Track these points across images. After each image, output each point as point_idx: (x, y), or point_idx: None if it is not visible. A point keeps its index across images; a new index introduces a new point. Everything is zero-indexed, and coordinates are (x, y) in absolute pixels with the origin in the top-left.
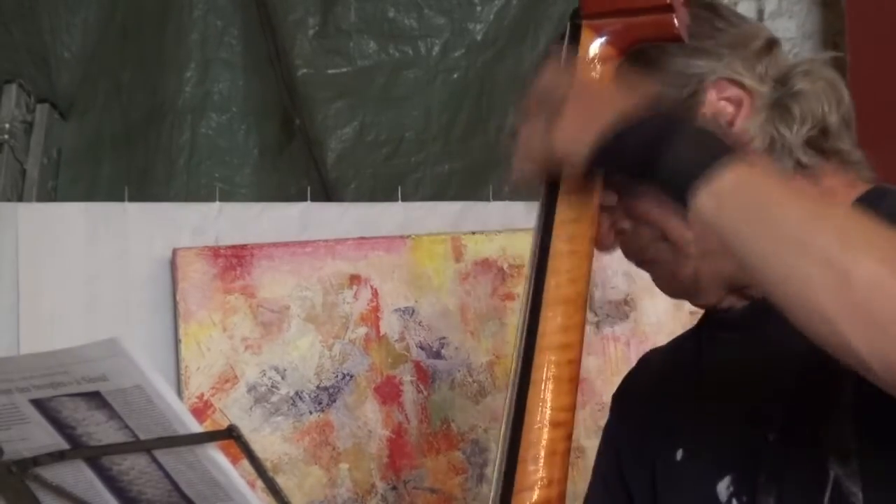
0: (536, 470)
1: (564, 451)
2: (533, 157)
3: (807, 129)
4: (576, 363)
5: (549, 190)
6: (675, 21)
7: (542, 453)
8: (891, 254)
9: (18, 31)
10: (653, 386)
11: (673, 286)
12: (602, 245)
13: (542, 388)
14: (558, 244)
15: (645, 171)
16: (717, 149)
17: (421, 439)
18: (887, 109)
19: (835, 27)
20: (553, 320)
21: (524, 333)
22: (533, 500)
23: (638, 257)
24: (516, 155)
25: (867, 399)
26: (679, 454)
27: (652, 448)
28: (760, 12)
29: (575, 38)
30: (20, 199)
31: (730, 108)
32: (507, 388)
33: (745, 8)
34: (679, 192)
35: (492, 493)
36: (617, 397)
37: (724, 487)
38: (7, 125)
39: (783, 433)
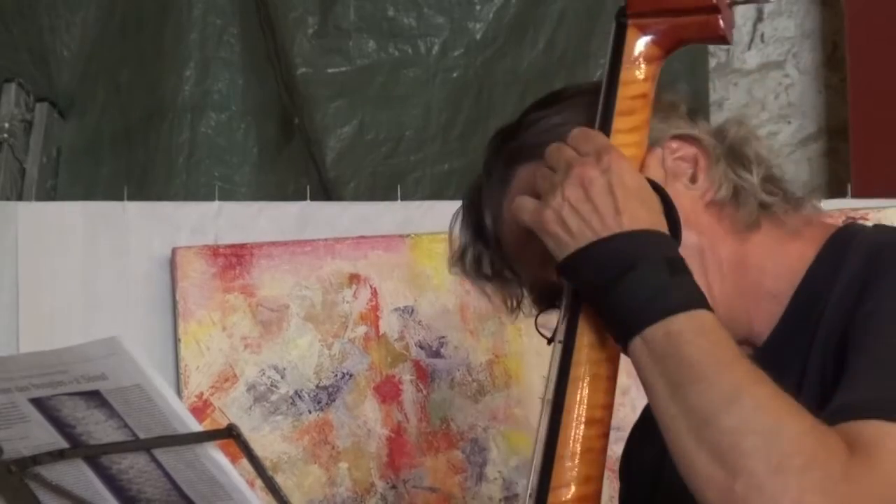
0: (573, 467)
1: (601, 448)
2: (523, 220)
3: (763, 169)
4: (614, 360)
5: None
6: (721, 22)
7: (580, 450)
8: (784, 455)
9: (18, 29)
10: (657, 435)
11: None
12: None
13: (581, 385)
14: None
15: (597, 299)
16: (664, 300)
17: (420, 438)
18: (887, 109)
19: (834, 26)
20: (593, 318)
21: (564, 331)
22: (569, 496)
23: None
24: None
25: None
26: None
27: (665, 473)
28: (760, 11)
29: (620, 37)
30: (20, 198)
31: (685, 166)
32: (544, 387)
33: (744, 8)
34: (619, 337)
35: (528, 490)
36: (623, 458)
37: None
38: (6, 124)
39: None
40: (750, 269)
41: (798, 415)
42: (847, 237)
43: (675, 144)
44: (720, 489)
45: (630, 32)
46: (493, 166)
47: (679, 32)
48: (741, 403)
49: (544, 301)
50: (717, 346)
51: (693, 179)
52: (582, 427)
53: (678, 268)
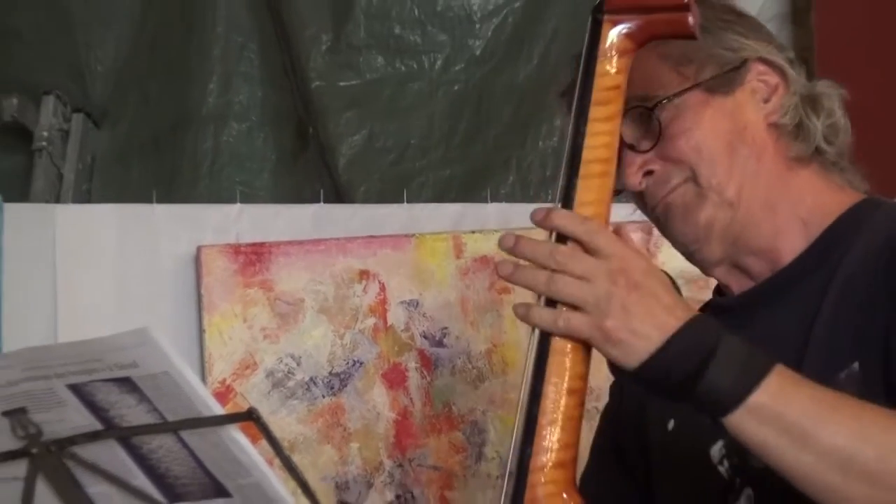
0: (553, 433)
1: (579, 416)
2: (571, 335)
3: (829, 122)
4: None
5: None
6: (690, 19)
7: (560, 418)
8: None
9: (55, 45)
10: None
11: (684, 232)
12: (631, 184)
13: (560, 357)
14: None
15: (684, 397)
16: (751, 370)
17: (424, 421)
18: (852, 119)
19: (804, 43)
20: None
21: (544, 306)
22: (552, 461)
23: (660, 198)
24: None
25: (870, 368)
26: (671, 424)
27: (645, 423)
28: None
29: (595, 32)
30: (57, 200)
31: (764, 89)
32: (525, 360)
33: None
34: (717, 417)
35: (510, 456)
36: (615, 385)
37: (716, 450)
38: (45, 133)
39: None
40: (789, 193)
41: None
42: (878, 202)
43: (761, 67)
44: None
45: (605, 28)
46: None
47: (651, 28)
48: (872, 431)
49: None
50: (814, 389)
51: (766, 100)
52: (563, 397)
53: (737, 340)
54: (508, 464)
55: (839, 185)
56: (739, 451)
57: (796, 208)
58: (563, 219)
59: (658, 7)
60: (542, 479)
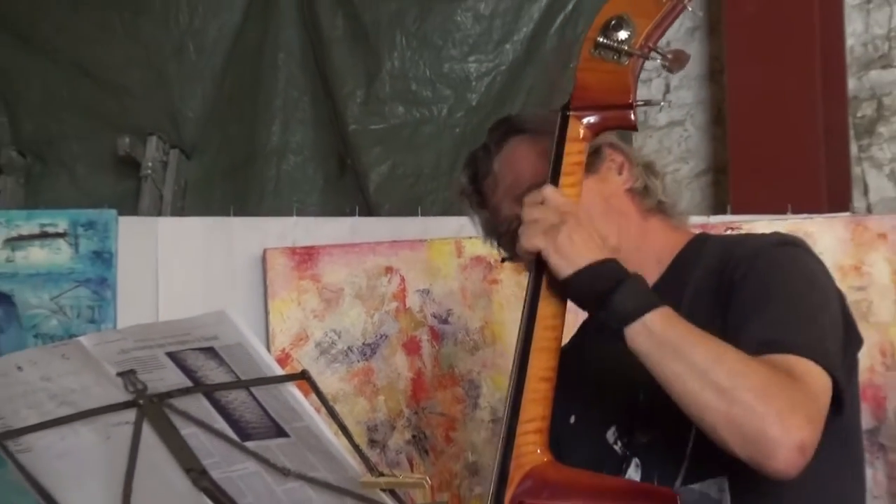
0: (534, 409)
1: (551, 398)
2: (530, 249)
3: (664, 181)
4: (560, 339)
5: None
6: (632, 116)
7: (538, 398)
8: (761, 389)
9: (157, 98)
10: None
11: None
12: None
13: (538, 355)
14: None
15: (598, 306)
16: (649, 300)
17: (434, 380)
18: (755, 153)
19: (719, 96)
20: (546, 309)
21: (526, 319)
22: (533, 428)
23: None
24: (522, 233)
25: None
26: (572, 418)
27: (554, 419)
28: (668, 86)
29: (564, 124)
30: (159, 214)
31: (616, 165)
32: (513, 356)
33: (657, 83)
34: (619, 325)
35: (504, 423)
36: None
37: (611, 434)
38: (150, 164)
39: (651, 392)
40: (647, 239)
41: (758, 360)
42: (705, 237)
43: (609, 150)
44: (723, 415)
45: (571, 121)
46: (492, 136)
47: (605, 122)
48: (727, 357)
49: (493, 234)
50: (692, 326)
51: (619, 172)
52: (539, 382)
53: (644, 280)
54: (501, 431)
55: (676, 226)
56: (628, 431)
57: (652, 249)
58: (544, 193)
59: (610, 106)
60: (525, 441)
